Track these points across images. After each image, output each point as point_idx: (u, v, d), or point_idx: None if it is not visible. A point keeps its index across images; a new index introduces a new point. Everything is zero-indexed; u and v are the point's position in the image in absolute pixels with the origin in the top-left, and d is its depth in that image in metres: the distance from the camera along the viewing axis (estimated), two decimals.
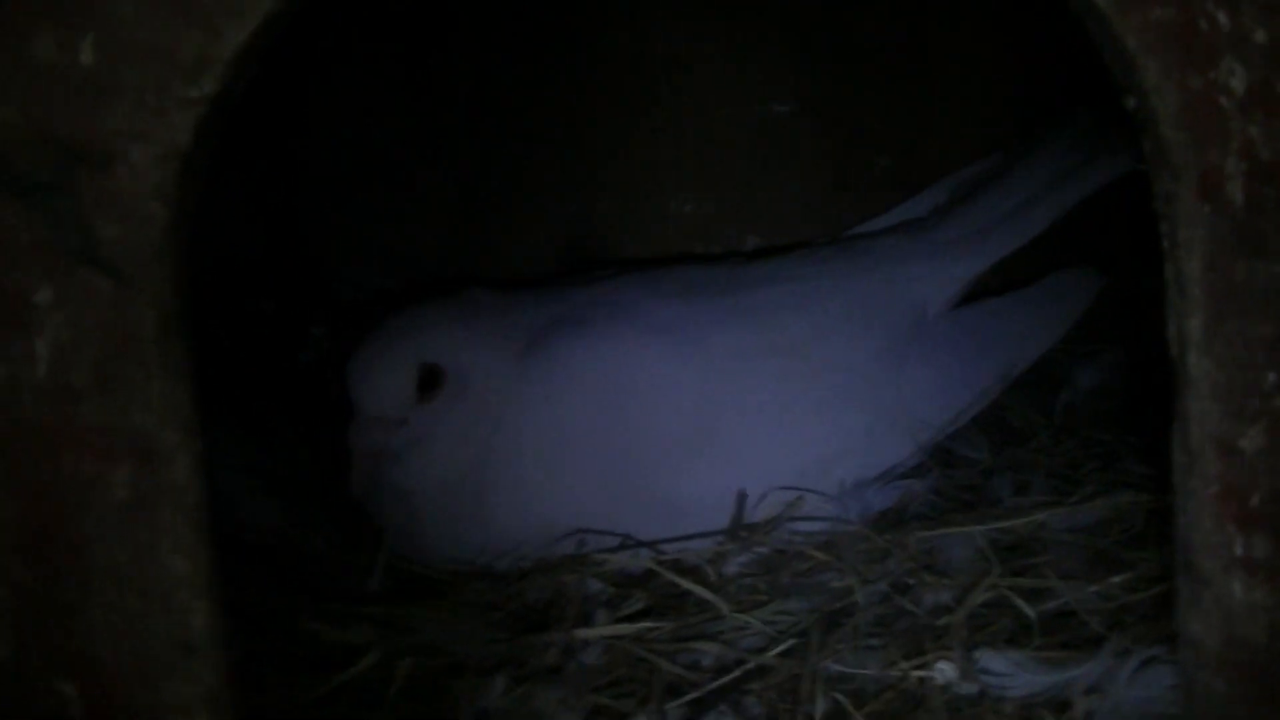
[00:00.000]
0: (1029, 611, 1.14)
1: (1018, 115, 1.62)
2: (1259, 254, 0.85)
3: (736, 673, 1.11)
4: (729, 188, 1.66)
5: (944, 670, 1.08)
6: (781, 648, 1.13)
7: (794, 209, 1.67)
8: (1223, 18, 0.84)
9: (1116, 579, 1.18)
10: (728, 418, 1.34)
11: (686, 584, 1.22)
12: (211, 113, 0.83)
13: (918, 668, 1.09)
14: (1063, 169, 1.51)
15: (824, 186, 1.67)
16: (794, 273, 1.45)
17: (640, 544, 1.29)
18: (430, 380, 1.31)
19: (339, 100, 1.60)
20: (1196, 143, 0.84)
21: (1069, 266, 1.53)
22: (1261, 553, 0.87)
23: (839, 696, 1.06)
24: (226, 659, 0.88)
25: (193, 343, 0.86)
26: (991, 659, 1.08)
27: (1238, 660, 0.88)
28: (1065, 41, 1.48)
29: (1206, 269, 0.85)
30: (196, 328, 0.87)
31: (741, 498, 1.32)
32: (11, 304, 0.83)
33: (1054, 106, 1.57)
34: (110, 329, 0.84)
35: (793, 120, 1.65)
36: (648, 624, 1.17)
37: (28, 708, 0.87)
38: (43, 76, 0.82)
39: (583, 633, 1.16)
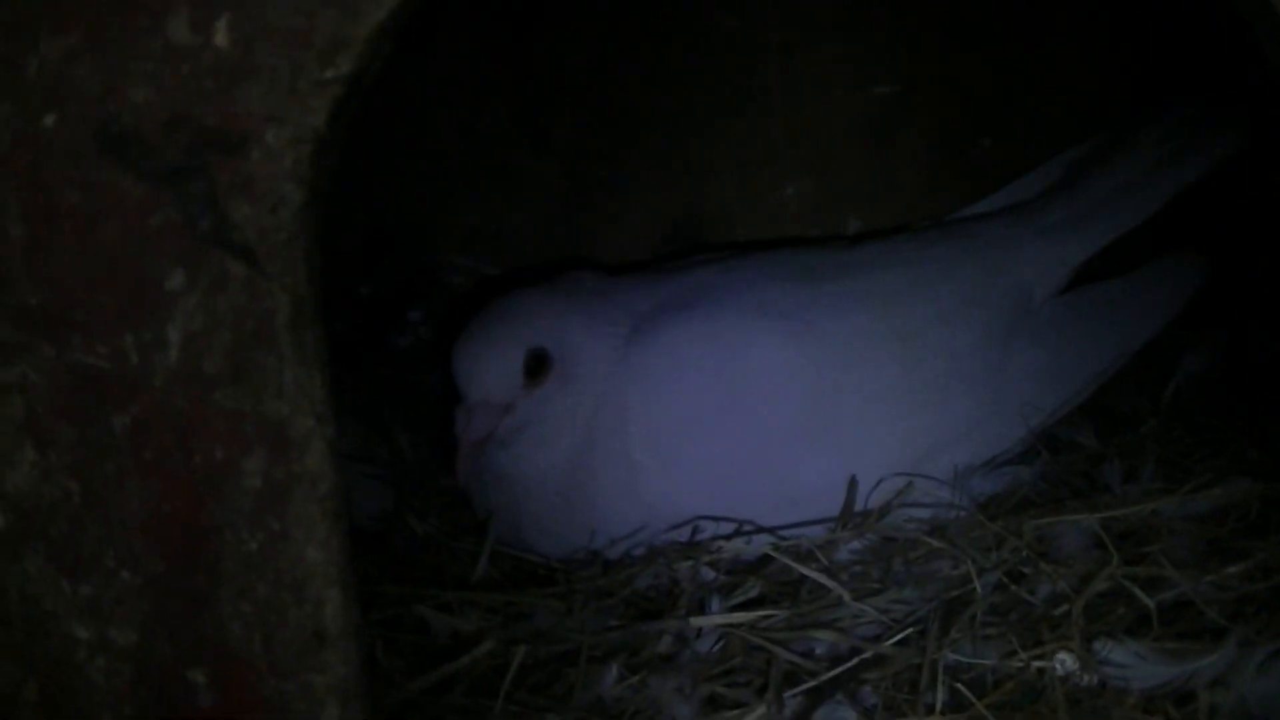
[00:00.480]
0: (1148, 601, 1.12)
1: (1125, 96, 1.61)
2: None
3: (853, 662, 1.09)
4: (832, 170, 1.65)
5: (1064, 661, 1.06)
6: (899, 637, 1.12)
7: (897, 191, 1.65)
8: None
9: (1233, 569, 1.16)
10: (844, 404, 1.33)
11: (807, 571, 1.20)
12: (347, 94, 0.82)
13: (1037, 658, 1.07)
14: (1171, 151, 1.49)
15: (927, 168, 1.65)
16: (904, 257, 1.44)
17: (755, 530, 1.28)
18: (537, 365, 1.30)
19: (445, 85, 1.59)
20: None
21: (1175, 250, 1.51)
22: None
23: (959, 686, 1.05)
24: (358, 649, 0.87)
25: (325, 328, 0.85)
26: (1111, 650, 1.06)
27: None
28: (1177, 20, 1.49)
29: None
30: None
31: (853, 484, 1.30)
32: (143, 289, 0.83)
33: (1162, 88, 1.55)
34: (243, 314, 0.83)
35: (897, 102, 1.64)
36: (763, 612, 1.16)
37: (157, 694, 0.87)
38: (177, 59, 0.81)
39: (697, 620, 1.15)
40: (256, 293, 0.83)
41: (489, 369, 1.29)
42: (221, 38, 0.81)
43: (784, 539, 1.27)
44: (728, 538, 1.27)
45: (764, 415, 1.32)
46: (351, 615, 0.86)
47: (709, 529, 1.28)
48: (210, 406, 0.83)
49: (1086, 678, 1.05)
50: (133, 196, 0.82)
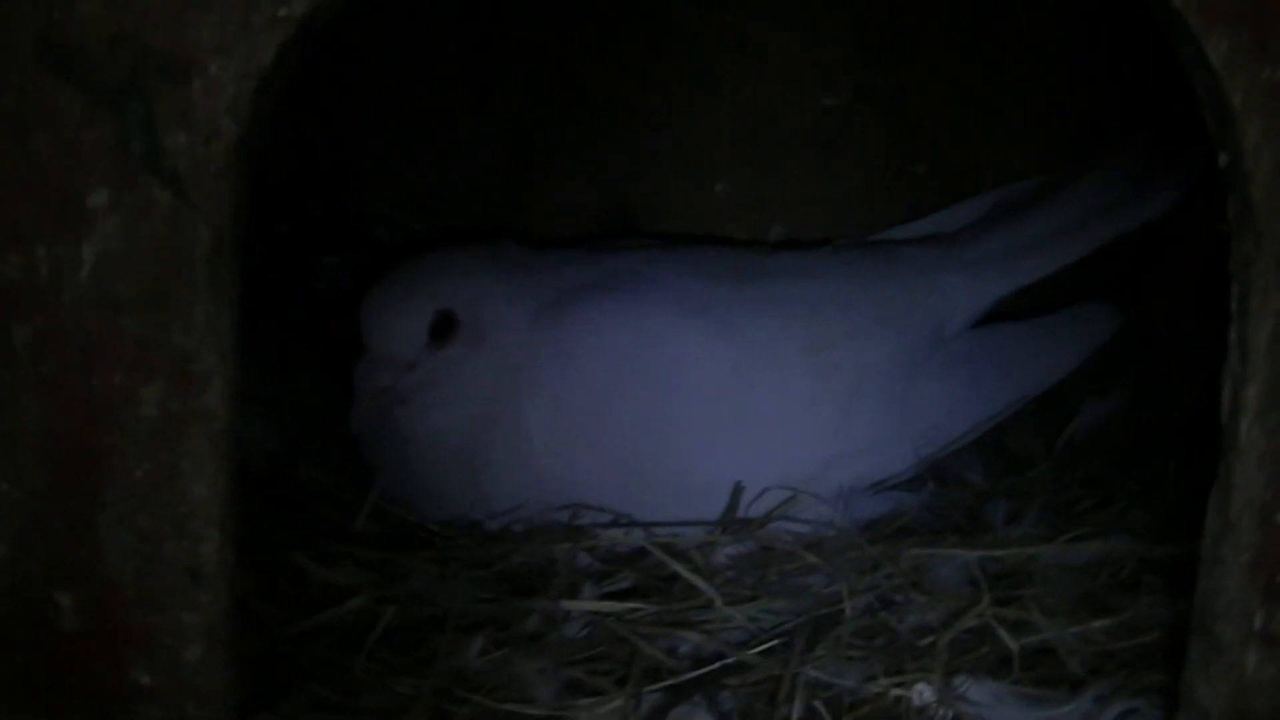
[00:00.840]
0: (1011, 644, 1.13)
1: (1068, 144, 1.61)
2: None
3: (715, 665, 1.09)
4: (771, 171, 1.64)
5: (923, 692, 1.07)
6: (763, 646, 1.12)
7: (832, 201, 1.65)
8: None
9: (1100, 623, 1.17)
10: (750, 406, 1.33)
11: (681, 569, 1.21)
12: (297, 34, 0.82)
13: (897, 685, 1.08)
14: (1101, 203, 1.50)
15: (864, 183, 1.65)
16: (826, 270, 1.44)
17: (634, 524, 1.28)
18: (444, 326, 1.29)
19: (393, 34, 1.57)
20: None
21: (1090, 300, 1.53)
22: None
23: (817, 704, 1.05)
24: (230, 592, 0.87)
25: (242, 268, 0.85)
26: (971, 687, 1.07)
27: None
28: (1129, 81, 1.50)
29: (1273, 339, 0.85)
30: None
31: (737, 489, 1.31)
32: (65, 203, 0.82)
33: (1103, 143, 1.56)
34: (163, 242, 0.82)
35: (844, 113, 1.63)
36: (633, 604, 1.16)
37: (21, 611, 0.86)
38: None
39: (568, 604, 1.15)
40: (179, 223, 0.82)
41: (395, 323, 1.29)
42: None
43: (661, 536, 1.27)
44: (607, 526, 1.27)
45: (669, 408, 1.32)
46: (228, 557, 0.86)
47: (590, 515, 1.28)
48: (116, 330, 0.83)
49: (942, 711, 1.06)
50: (68, 110, 0.81)
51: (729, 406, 1.33)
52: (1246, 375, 0.86)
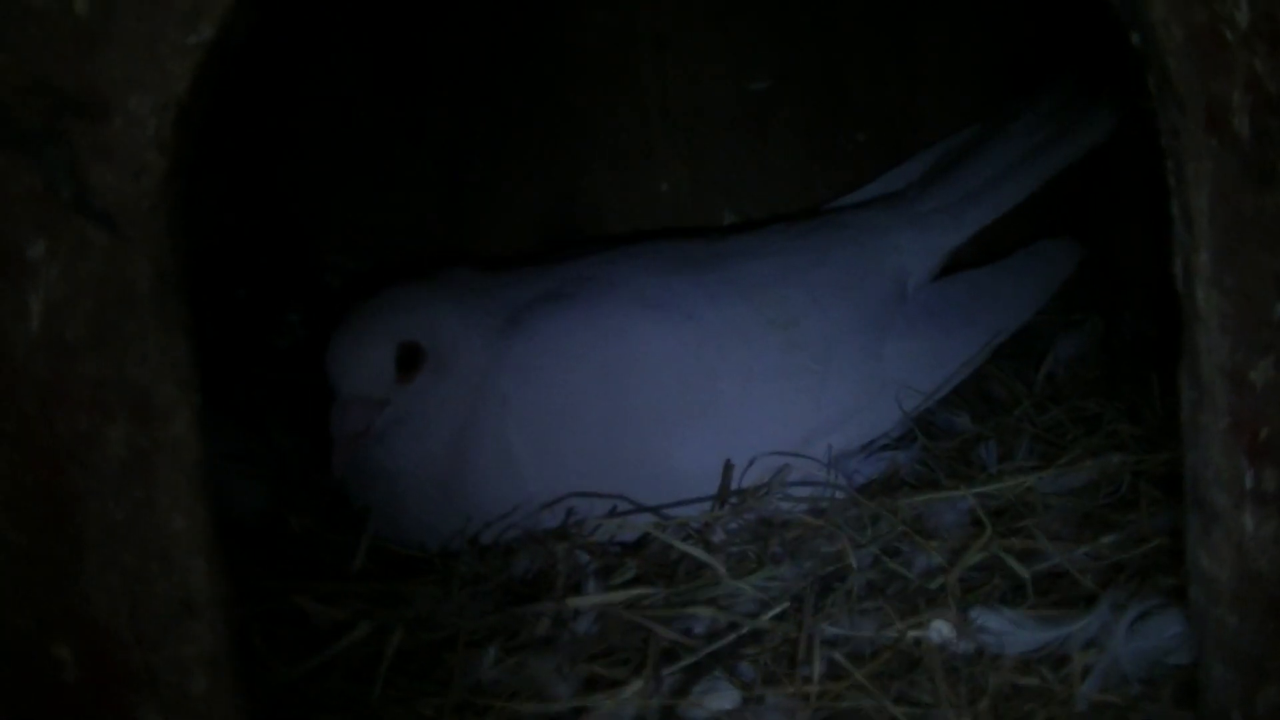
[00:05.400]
0: (1022, 571, 1.14)
1: (997, 90, 1.62)
2: (1266, 185, 0.84)
3: (731, 637, 1.09)
4: (708, 162, 1.65)
5: (940, 629, 1.07)
6: (775, 611, 1.12)
7: (772, 183, 1.66)
8: None
9: (1106, 539, 1.18)
10: (722, 391, 1.34)
11: (685, 547, 1.21)
12: (209, 60, 0.82)
13: (914, 628, 1.08)
14: (1040, 139, 1.51)
15: (803, 161, 1.66)
16: (779, 246, 1.45)
17: (630, 511, 1.28)
18: (410, 359, 1.29)
19: (320, 82, 1.58)
20: (1202, 74, 0.84)
21: (1049, 237, 1.54)
22: (1272, 486, 0.87)
23: (837, 657, 1.05)
24: (226, 619, 0.86)
25: (190, 297, 0.85)
26: (987, 617, 1.07)
27: (1250, 594, 0.88)
28: (1047, 15, 1.51)
29: (1214, 202, 0.85)
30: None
31: (728, 466, 1.31)
32: (4, 258, 0.82)
33: (1032, 81, 1.57)
34: (105, 282, 0.82)
35: (771, 95, 1.64)
36: (640, 590, 1.16)
37: (21, 671, 0.85)
38: (36, 23, 0.80)
39: (575, 601, 1.14)
40: (119, 261, 0.82)
41: (361, 363, 1.28)
42: (80, 3, 0.80)
43: (664, 519, 1.27)
44: (602, 521, 1.27)
45: (642, 404, 1.32)
46: (219, 585, 0.85)
47: (584, 511, 1.28)
48: (72, 375, 0.83)
49: (963, 645, 1.06)
50: None
51: (698, 393, 1.34)
52: (1194, 242, 0.86)
